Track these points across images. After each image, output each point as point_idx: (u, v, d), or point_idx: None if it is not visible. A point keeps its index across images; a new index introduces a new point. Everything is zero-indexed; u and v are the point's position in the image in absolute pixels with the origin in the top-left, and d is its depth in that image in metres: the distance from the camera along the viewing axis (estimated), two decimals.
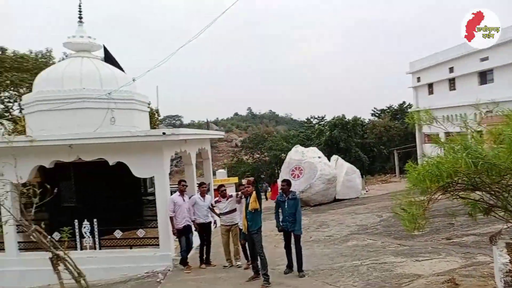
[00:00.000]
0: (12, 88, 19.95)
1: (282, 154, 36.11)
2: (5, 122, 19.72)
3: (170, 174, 9.80)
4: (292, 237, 7.75)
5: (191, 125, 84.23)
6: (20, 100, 17.18)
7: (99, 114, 10.56)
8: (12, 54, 21.02)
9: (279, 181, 17.57)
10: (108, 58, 13.80)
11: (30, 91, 13.82)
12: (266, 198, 24.96)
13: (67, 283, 6.46)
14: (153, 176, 9.76)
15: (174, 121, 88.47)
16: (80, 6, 12.31)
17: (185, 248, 8.85)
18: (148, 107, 13.55)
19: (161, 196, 9.34)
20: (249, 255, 8.26)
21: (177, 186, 9.65)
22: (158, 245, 9.37)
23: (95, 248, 9.52)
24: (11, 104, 20.65)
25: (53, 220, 10.08)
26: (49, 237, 6.79)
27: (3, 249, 9.72)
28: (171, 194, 9.48)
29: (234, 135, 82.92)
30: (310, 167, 18.08)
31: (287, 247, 7.90)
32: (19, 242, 9.72)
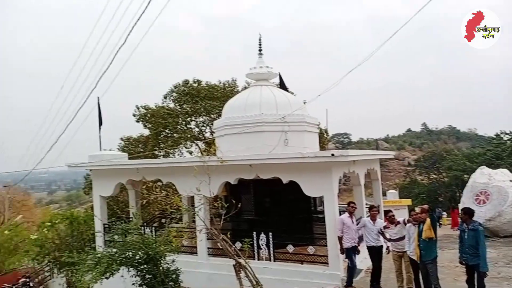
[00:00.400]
0: (205, 114, 23.37)
1: (465, 176, 32.29)
2: (199, 143, 23.24)
3: (338, 193, 9.96)
4: (475, 272, 6.99)
5: (359, 143, 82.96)
6: (212, 124, 20.06)
7: (274, 136, 11.63)
8: (206, 85, 24.45)
9: (460, 206, 15.83)
10: (282, 84, 15.13)
11: (219, 116, 16.05)
12: (440, 225, 22.72)
13: None
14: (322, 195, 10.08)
15: (343, 139, 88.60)
16: (260, 40, 13.94)
17: (353, 269, 8.84)
18: (318, 128, 14.11)
19: (330, 215, 9.53)
20: (421, 286, 7.77)
21: (345, 205, 9.77)
22: (327, 263, 9.52)
23: (270, 260, 10.21)
24: (204, 128, 24.15)
25: (234, 230, 11.41)
26: (233, 246, 7.79)
27: (196, 253, 11.37)
28: (340, 214, 9.63)
29: (406, 153, 78.21)
30: (499, 192, 15.70)
31: (469, 281, 7.17)
32: (208, 248, 11.23)
